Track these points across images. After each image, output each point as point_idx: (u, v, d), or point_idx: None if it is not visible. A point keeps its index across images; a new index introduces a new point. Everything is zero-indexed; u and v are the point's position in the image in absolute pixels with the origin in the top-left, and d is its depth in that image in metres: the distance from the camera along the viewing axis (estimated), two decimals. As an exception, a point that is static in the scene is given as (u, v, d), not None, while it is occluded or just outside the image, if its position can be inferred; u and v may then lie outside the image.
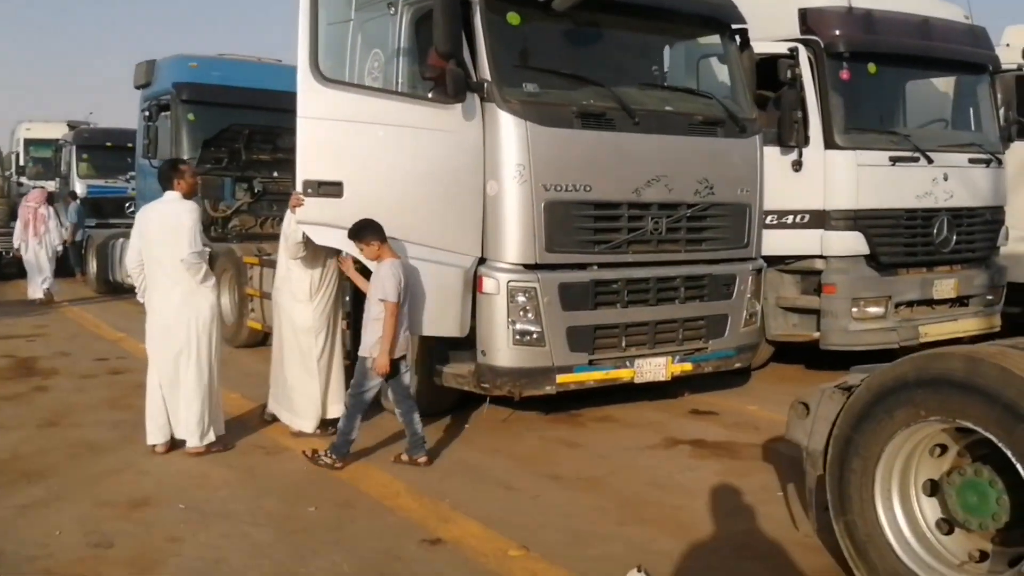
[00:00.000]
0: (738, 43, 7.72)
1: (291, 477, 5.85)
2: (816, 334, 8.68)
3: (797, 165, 8.43)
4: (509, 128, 6.35)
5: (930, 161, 8.71)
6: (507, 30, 6.55)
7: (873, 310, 8.61)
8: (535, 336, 6.46)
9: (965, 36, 9.27)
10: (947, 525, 3.78)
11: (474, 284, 6.48)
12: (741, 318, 7.52)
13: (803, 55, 8.42)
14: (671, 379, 7.17)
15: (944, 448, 3.82)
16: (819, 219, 8.52)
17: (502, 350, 6.41)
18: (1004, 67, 9.78)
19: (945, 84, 10.05)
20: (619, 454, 6.38)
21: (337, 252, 6.48)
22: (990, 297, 9.46)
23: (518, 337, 6.43)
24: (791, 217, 8.58)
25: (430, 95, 6.46)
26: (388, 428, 6.65)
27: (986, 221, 9.29)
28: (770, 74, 8.24)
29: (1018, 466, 3.29)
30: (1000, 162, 9.34)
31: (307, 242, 6.36)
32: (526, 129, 6.35)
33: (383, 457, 6.19)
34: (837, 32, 8.45)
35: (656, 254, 7.03)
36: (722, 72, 7.92)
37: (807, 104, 8.41)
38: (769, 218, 8.27)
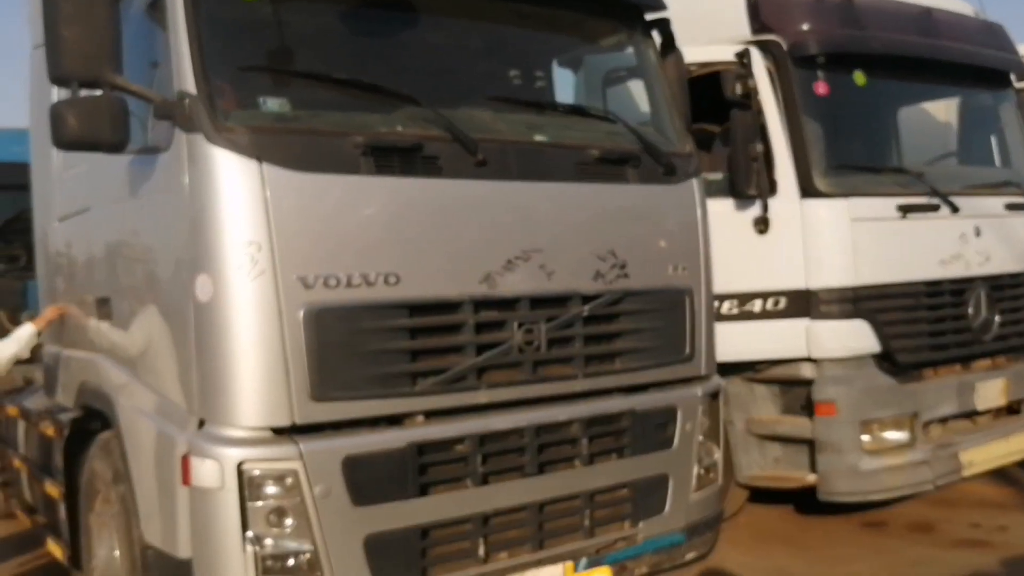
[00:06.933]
0: (658, 44, 4.91)
1: None
2: (811, 477, 5.76)
3: (762, 224, 5.62)
4: (228, 176, 3.45)
5: (955, 209, 5.94)
6: (228, 7, 3.70)
7: (893, 436, 5.72)
8: (302, 562, 3.45)
9: (980, 35, 6.60)
10: None
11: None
12: (690, 477, 4.54)
13: (758, 63, 5.68)
14: (577, 601, 4.14)
15: None
16: (801, 303, 5.65)
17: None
18: (1028, 80, 7.19)
19: (945, 106, 7.39)
20: None
21: None
22: (1050, 399, 6.61)
23: (269, 564, 3.43)
24: (759, 302, 5.72)
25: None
26: None
27: (1038, 291, 6.50)
28: (712, 94, 5.48)
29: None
30: (1047, 207, 6.61)
31: None
32: (261, 177, 3.45)
33: None
34: (805, 27, 5.74)
35: (531, 386, 4.04)
36: (636, 89, 5.12)
37: (769, 134, 5.64)
38: (726, 306, 5.49)
